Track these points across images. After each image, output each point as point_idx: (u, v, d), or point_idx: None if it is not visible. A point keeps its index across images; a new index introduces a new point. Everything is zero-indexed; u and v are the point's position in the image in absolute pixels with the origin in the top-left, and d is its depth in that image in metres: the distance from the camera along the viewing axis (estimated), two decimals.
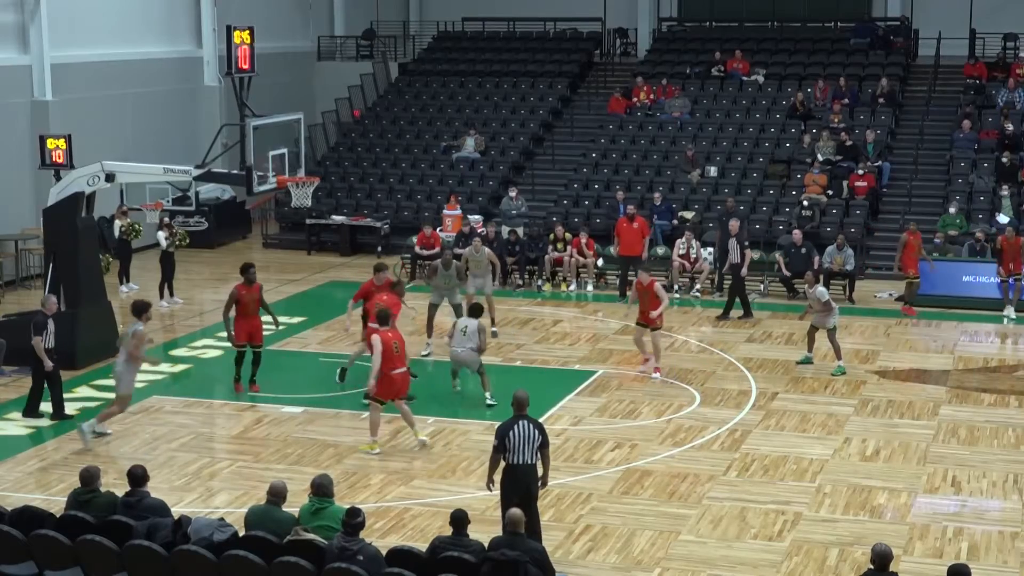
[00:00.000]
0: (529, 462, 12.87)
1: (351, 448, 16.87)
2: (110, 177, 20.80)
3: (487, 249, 22.88)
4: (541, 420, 14.27)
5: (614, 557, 13.54)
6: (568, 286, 26.73)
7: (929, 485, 15.65)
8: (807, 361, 20.82)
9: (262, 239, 32.30)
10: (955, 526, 14.36)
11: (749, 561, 13.44)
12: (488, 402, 18.60)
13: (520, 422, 12.89)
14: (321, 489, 11.61)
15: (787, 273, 25.41)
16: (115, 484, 13.70)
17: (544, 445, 12.98)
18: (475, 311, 19.01)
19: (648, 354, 20.43)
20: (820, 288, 20.77)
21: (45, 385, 18.31)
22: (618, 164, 31.64)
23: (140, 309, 17.40)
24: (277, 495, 11.68)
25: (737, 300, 24.06)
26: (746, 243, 24.14)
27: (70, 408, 18.51)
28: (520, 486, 12.83)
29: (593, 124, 33.85)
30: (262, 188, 21.39)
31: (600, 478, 15.84)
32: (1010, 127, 29.71)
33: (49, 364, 18.08)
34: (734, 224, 24.45)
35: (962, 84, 32.94)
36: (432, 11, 41.37)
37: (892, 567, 10.40)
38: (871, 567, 10.40)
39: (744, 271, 23.96)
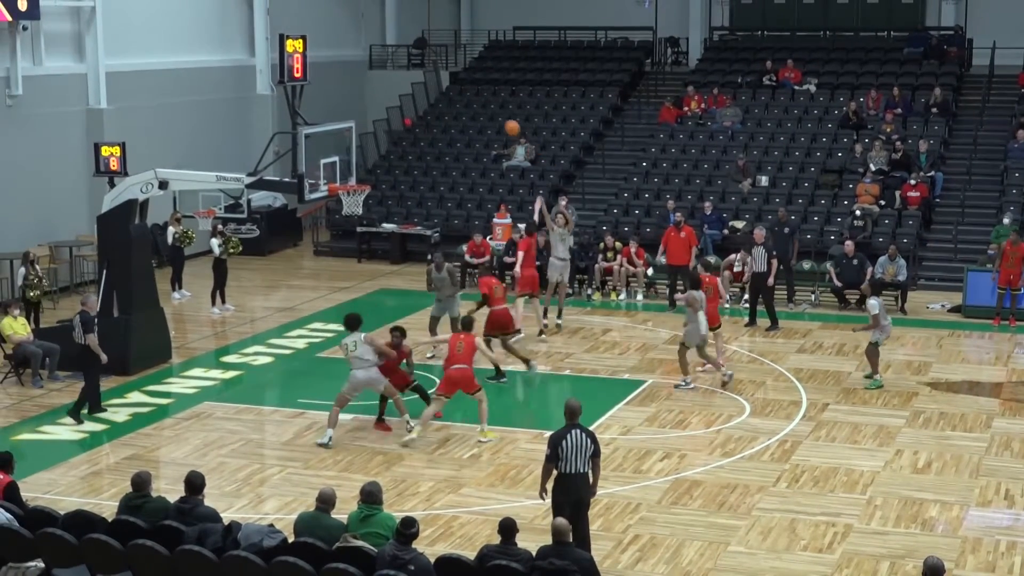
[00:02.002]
0: (581, 471, 12.85)
1: (400, 455, 16.92)
2: (163, 184, 20.99)
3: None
4: (590, 429, 14.20)
5: (663, 568, 13.50)
6: (618, 295, 26.69)
7: (982, 498, 15.50)
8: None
9: (313, 247, 32.49)
10: (1008, 540, 14.22)
11: (799, 573, 13.36)
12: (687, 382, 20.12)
13: (573, 431, 12.87)
14: (371, 496, 11.65)
15: (838, 284, 25.24)
16: (166, 490, 13.81)
17: (596, 454, 12.96)
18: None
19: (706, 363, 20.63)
20: (871, 300, 20.44)
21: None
22: (669, 173, 31.58)
23: (357, 321, 17.45)
24: (326, 502, 11.73)
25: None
26: (773, 251, 23.96)
27: (122, 414, 18.72)
28: (572, 495, 12.81)
29: (644, 133, 33.79)
30: (314, 196, 21.53)
31: (649, 488, 15.79)
32: None
33: (105, 357, 18.46)
34: (759, 233, 24.28)
35: (1017, 94, 32.62)
36: (483, 20, 41.43)
37: None
38: None
39: (771, 280, 23.82)
